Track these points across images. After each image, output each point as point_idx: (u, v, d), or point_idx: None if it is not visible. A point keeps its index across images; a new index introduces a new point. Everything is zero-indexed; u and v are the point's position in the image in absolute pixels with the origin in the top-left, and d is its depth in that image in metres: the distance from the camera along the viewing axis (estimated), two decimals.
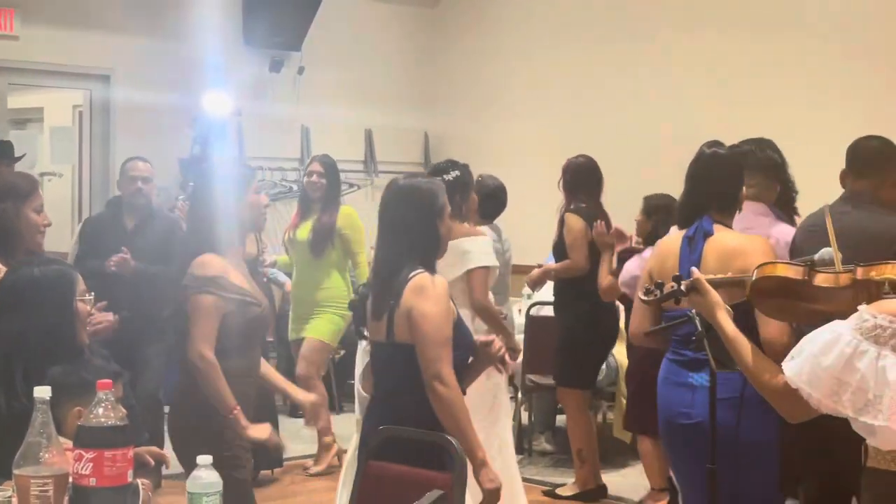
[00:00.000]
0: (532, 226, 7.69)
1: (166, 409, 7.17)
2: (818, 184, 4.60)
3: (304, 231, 6.97)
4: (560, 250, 6.52)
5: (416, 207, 3.59)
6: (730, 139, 4.66)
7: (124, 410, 2.56)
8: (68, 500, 2.47)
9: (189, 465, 3.72)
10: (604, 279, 6.09)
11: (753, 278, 2.80)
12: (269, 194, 7.99)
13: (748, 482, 3.67)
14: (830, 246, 2.84)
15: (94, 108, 9.20)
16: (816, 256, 2.80)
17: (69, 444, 2.53)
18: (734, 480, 3.57)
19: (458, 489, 2.96)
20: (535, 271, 6.73)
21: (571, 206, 6.49)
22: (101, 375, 2.65)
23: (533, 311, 7.33)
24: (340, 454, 6.81)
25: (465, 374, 3.63)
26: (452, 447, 3.09)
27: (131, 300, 5.53)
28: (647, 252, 5.42)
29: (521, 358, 6.51)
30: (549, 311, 6.94)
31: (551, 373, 6.77)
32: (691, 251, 3.79)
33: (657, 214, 5.89)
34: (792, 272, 2.74)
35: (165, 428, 4.22)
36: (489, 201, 6.40)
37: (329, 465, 6.96)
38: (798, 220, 4.84)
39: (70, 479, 2.46)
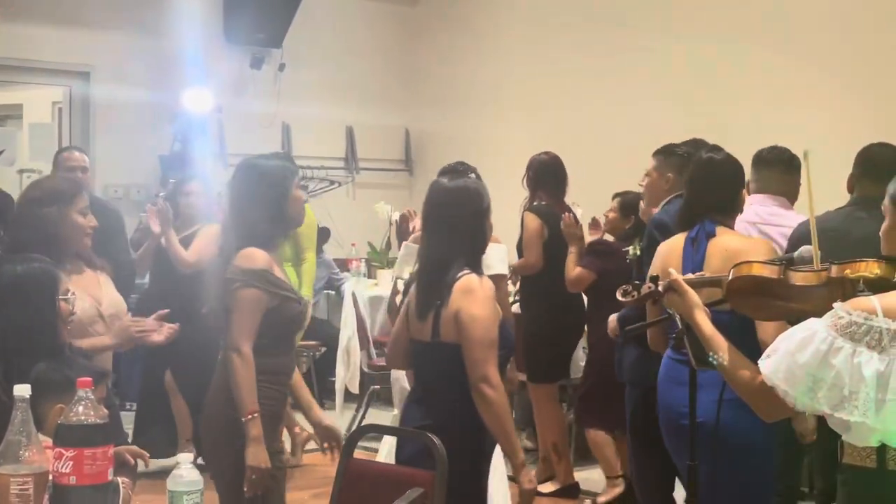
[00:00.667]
0: (515, 224, 7.66)
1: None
2: None
3: None
4: (521, 248, 6.56)
5: (462, 208, 3.62)
6: (710, 139, 4.70)
7: (105, 409, 2.57)
8: (48, 499, 2.47)
9: (215, 465, 3.74)
10: (571, 271, 6.10)
11: (729, 278, 2.82)
12: None
13: (747, 482, 3.70)
14: (826, 249, 2.86)
15: (73, 105, 9.17)
16: (796, 254, 2.82)
17: (49, 442, 2.52)
18: (732, 480, 3.60)
19: (439, 487, 2.97)
20: None
21: (534, 203, 6.50)
22: (84, 374, 2.65)
23: (514, 309, 7.36)
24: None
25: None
26: (434, 445, 3.10)
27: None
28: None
29: None
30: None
31: None
32: (695, 252, 3.82)
33: (636, 212, 5.90)
34: (767, 271, 2.76)
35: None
36: None
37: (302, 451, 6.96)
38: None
39: (50, 478, 2.46)
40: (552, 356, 6.53)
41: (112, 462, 2.53)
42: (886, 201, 2.62)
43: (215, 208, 6.84)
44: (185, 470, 2.46)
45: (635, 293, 3.12)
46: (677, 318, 3.00)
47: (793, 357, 2.37)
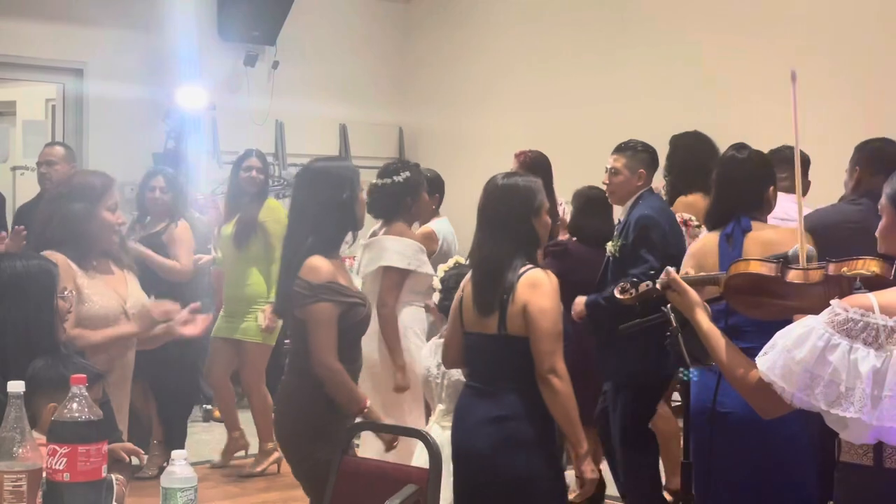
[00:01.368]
0: None
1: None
2: None
3: (230, 227, 6.91)
4: None
5: (515, 205, 3.67)
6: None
7: (97, 406, 2.56)
8: (42, 496, 2.46)
9: (297, 465, 3.75)
10: None
11: (727, 276, 2.82)
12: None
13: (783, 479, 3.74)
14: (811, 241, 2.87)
15: (67, 102, 9.15)
16: (790, 252, 2.82)
17: (43, 439, 2.51)
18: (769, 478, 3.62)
19: (433, 483, 2.96)
20: None
21: None
22: (79, 372, 2.64)
23: None
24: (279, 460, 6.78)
25: None
26: (428, 442, 3.10)
27: None
28: None
29: None
30: None
31: None
32: (731, 248, 3.84)
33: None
34: (765, 269, 2.76)
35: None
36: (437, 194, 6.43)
37: (267, 465, 6.86)
38: None
39: (44, 475, 2.45)
40: None
41: (106, 459, 2.53)
42: (884, 200, 2.62)
43: (181, 204, 6.83)
44: (179, 467, 2.45)
45: (633, 291, 3.12)
46: (672, 317, 3.00)
47: (790, 353, 2.37)
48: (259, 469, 6.82)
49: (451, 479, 3.61)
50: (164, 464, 4.75)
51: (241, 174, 7.00)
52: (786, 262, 2.84)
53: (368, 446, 4.64)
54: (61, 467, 2.45)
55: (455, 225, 6.39)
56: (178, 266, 6.44)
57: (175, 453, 2.45)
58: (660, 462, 5.41)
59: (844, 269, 2.59)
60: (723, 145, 4.58)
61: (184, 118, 8.93)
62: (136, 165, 9.06)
